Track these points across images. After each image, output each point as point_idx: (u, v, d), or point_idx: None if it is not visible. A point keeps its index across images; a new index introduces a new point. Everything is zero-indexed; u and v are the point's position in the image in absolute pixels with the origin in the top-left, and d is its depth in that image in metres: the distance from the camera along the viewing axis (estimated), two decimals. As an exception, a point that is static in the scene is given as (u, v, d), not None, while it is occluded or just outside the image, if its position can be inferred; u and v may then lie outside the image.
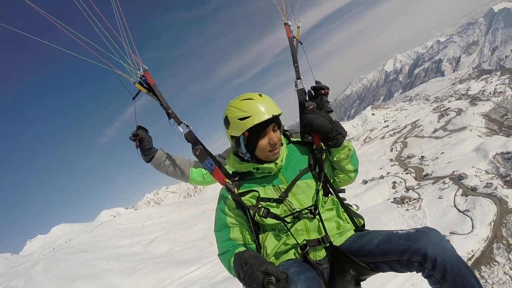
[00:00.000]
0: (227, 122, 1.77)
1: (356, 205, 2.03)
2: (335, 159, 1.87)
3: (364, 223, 1.91)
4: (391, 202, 60.06)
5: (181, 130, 1.99)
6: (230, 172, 1.90)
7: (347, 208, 1.88)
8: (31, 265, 27.66)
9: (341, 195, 1.93)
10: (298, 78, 2.15)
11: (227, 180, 1.82)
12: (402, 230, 1.59)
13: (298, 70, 2.17)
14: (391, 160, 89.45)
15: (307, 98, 2.12)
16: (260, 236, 1.80)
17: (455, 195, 56.29)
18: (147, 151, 2.36)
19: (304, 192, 1.79)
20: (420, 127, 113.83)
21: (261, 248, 1.78)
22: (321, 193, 1.83)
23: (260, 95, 1.75)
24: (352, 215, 1.87)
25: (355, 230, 1.84)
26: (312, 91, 2.21)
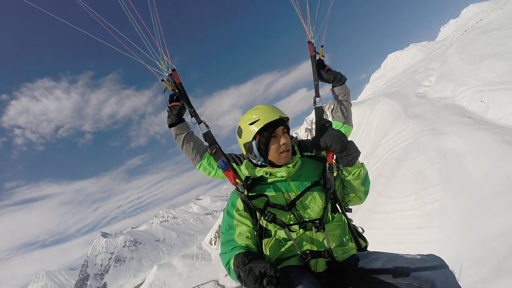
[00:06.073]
0: (240, 131, 1.89)
1: (362, 228, 2.01)
2: (347, 178, 1.88)
3: (366, 245, 1.91)
4: None
5: (200, 129, 2.13)
6: (243, 177, 1.93)
7: (352, 227, 1.89)
8: (445, 48, 27.83)
9: (348, 215, 1.94)
10: (317, 96, 2.20)
11: (238, 181, 1.88)
12: (407, 254, 1.57)
13: (317, 88, 2.22)
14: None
15: (324, 117, 2.12)
16: (263, 240, 1.81)
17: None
18: (175, 116, 2.25)
19: (313, 204, 1.81)
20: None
21: (263, 252, 1.79)
22: (329, 208, 1.85)
23: (266, 105, 1.90)
24: (357, 236, 1.88)
25: (357, 251, 1.84)
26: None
